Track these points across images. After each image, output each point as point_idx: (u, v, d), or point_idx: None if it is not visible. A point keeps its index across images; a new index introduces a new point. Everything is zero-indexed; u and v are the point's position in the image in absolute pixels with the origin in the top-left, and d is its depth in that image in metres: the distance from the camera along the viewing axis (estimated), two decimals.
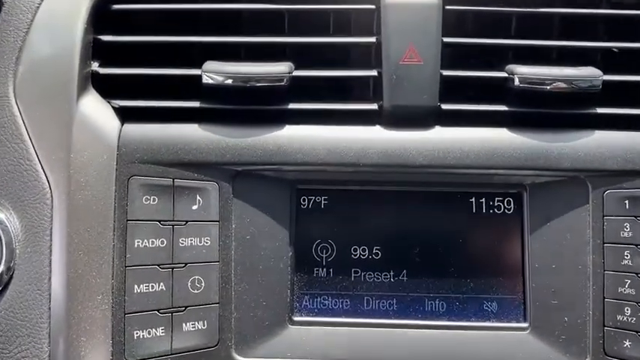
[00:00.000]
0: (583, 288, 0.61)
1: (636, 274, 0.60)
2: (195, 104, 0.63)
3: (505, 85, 0.63)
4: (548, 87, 0.61)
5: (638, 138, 0.62)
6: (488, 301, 0.62)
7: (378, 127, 0.63)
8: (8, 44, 0.63)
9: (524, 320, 0.62)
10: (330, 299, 0.63)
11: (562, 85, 0.61)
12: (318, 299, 0.63)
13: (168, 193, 0.60)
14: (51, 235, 0.59)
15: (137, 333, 0.59)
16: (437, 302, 0.63)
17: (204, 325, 0.60)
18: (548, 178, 0.62)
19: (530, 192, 0.63)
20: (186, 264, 0.60)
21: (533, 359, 0.60)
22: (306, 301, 0.63)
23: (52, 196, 0.59)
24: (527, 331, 0.61)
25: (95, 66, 0.64)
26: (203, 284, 0.60)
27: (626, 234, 0.60)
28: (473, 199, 0.63)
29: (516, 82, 0.61)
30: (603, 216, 0.61)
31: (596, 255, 0.61)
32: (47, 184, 0.59)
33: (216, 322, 0.60)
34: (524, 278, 0.62)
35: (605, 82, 0.61)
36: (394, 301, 0.63)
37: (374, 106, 0.63)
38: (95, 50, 0.64)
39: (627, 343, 0.59)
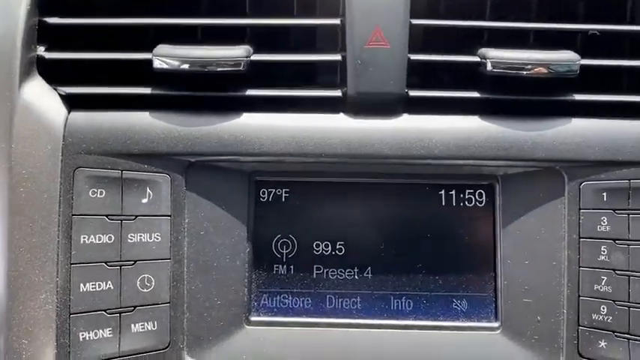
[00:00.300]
0: (557, 285, 0.58)
1: (613, 270, 0.57)
2: (146, 91, 0.60)
3: (477, 71, 0.59)
4: (524, 72, 0.58)
5: (617, 126, 0.59)
6: (457, 300, 0.60)
7: (341, 116, 0.60)
8: None
9: (495, 319, 0.60)
10: (290, 298, 0.60)
11: (538, 69, 0.58)
12: (278, 298, 0.60)
13: (117, 185, 0.57)
14: None
15: (83, 334, 0.56)
16: (403, 300, 0.60)
17: (154, 326, 0.57)
18: (521, 169, 0.60)
19: (503, 183, 0.60)
20: (135, 261, 0.57)
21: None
22: (264, 300, 0.60)
23: None
24: (498, 331, 0.59)
25: (40, 50, 0.60)
26: (153, 283, 0.58)
27: (603, 228, 0.57)
28: (442, 192, 0.60)
29: (489, 66, 0.57)
30: (579, 209, 0.58)
31: (571, 250, 0.58)
32: None
33: (167, 323, 0.57)
34: (496, 275, 0.60)
35: (584, 67, 0.58)
36: (358, 300, 0.60)
37: (337, 93, 0.60)
38: (40, 34, 0.60)
39: (603, 344, 0.57)
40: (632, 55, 0.62)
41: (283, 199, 0.60)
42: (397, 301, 0.60)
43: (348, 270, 0.60)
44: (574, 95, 0.60)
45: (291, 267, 0.60)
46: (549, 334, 0.58)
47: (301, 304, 0.60)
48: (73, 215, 0.56)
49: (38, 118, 0.57)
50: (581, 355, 0.57)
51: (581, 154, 0.58)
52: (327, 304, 0.60)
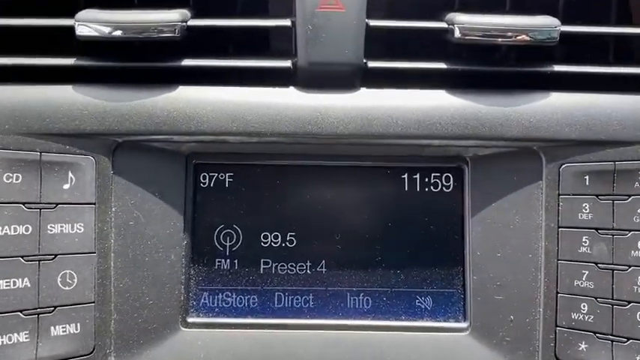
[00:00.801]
0: (533, 281, 0.54)
1: (595, 264, 0.52)
2: (68, 61, 0.55)
3: (444, 38, 0.54)
4: (498, 40, 0.53)
5: (601, 101, 0.54)
6: (421, 297, 0.55)
7: (291, 89, 0.55)
8: None
9: (464, 319, 0.56)
10: (233, 296, 0.55)
11: (512, 36, 0.53)
12: (220, 296, 0.55)
13: (35, 169, 0.52)
14: None
15: None
16: (361, 298, 0.55)
17: (76, 329, 0.53)
18: (493, 150, 0.55)
19: (473, 166, 0.56)
20: (55, 255, 0.53)
21: None
22: (204, 299, 0.55)
23: None
24: (467, 332, 0.55)
25: None
26: (76, 280, 0.53)
27: (585, 216, 0.53)
28: (405, 176, 0.56)
29: (457, 33, 0.53)
30: (559, 194, 0.54)
31: (549, 241, 0.54)
32: None
33: (91, 325, 0.53)
34: (464, 269, 0.56)
35: (564, 34, 0.54)
36: (310, 297, 0.55)
37: (286, 64, 0.55)
38: None
39: (583, 346, 0.52)
40: (618, 21, 0.57)
41: (226, 185, 0.56)
42: (354, 299, 0.55)
43: (299, 264, 0.56)
44: (553, 66, 0.56)
45: (235, 261, 0.56)
46: (524, 336, 0.54)
47: (246, 303, 0.55)
48: None
49: None
50: (558, 359, 0.53)
51: (561, 133, 0.54)
52: (276, 302, 0.55)
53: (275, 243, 0.55)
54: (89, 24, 0.52)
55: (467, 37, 0.53)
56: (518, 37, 0.53)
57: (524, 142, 0.54)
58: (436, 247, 0.56)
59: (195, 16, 0.54)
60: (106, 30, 0.52)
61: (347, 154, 0.56)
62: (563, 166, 0.54)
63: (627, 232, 0.52)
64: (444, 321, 0.55)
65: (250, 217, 0.56)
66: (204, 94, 0.54)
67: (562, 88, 0.55)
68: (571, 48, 0.56)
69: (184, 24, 0.53)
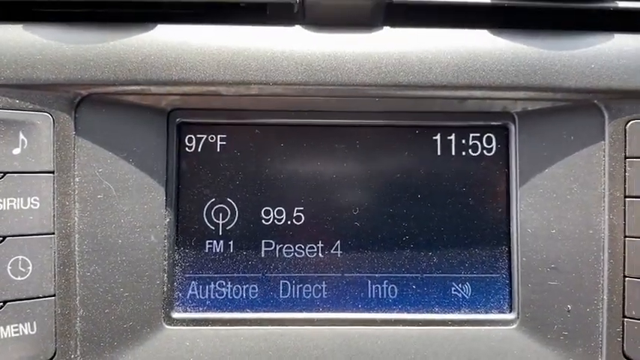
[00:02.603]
0: (595, 262, 0.47)
1: None
2: None
3: None
4: None
5: None
6: (458, 284, 0.48)
7: (298, 28, 0.48)
8: None
9: (510, 310, 0.49)
10: (228, 286, 0.48)
11: None
12: (211, 286, 0.48)
13: None
14: None
15: None
16: (385, 286, 0.48)
17: (32, 329, 0.45)
18: (546, 103, 0.49)
19: (521, 124, 0.49)
20: (4, 237, 0.45)
21: None
22: (192, 290, 0.48)
23: None
24: (514, 325, 0.49)
25: None
26: (30, 268, 0.46)
27: None
28: (437, 136, 0.49)
29: None
30: (625, 157, 0.47)
31: (614, 214, 0.47)
32: None
33: (51, 324, 0.45)
34: (511, 249, 0.49)
35: None
36: (323, 286, 0.48)
37: None
38: None
39: None
40: None
41: (217, 149, 0.48)
42: (376, 287, 0.48)
43: (309, 246, 0.48)
44: (617, 2, 0.48)
45: (230, 243, 0.48)
46: (584, 329, 0.48)
47: (244, 294, 0.48)
48: None
49: None
50: (626, 357, 0.46)
51: (628, 82, 0.47)
52: (281, 293, 0.47)
53: (279, 220, 0.48)
54: None
55: None
56: None
57: (584, 94, 0.48)
58: (476, 224, 0.48)
59: None
60: None
61: (367, 110, 0.48)
62: (631, 122, 0.47)
63: None
64: (486, 312, 0.49)
65: (247, 189, 0.48)
66: (189, 34, 0.46)
67: (629, 29, 0.49)
68: None
69: None
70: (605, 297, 0.47)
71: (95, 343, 0.46)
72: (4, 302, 0.45)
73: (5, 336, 0.45)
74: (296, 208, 0.48)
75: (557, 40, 0.47)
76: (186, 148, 0.48)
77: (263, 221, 0.48)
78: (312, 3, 0.46)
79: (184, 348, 0.45)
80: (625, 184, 0.47)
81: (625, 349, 0.46)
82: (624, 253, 0.47)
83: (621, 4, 0.48)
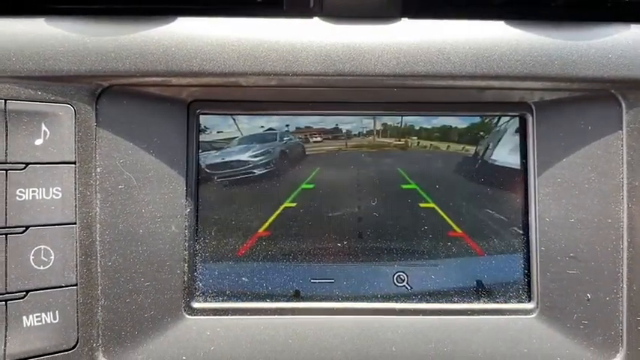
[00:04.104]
0: (614, 251, 0.47)
1: None
2: None
3: None
4: None
5: None
6: (477, 272, 0.47)
7: (316, 20, 0.48)
8: None
9: (529, 299, 0.49)
10: (249, 275, 0.47)
11: None
12: (232, 276, 0.47)
13: None
14: None
15: None
16: (402, 274, 0.47)
17: (55, 318, 0.46)
18: (564, 93, 0.49)
19: (538, 113, 0.49)
20: (27, 227, 0.45)
21: (545, 354, 0.45)
22: (213, 280, 0.48)
23: None
24: (534, 315, 0.49)
25: None
26: (53, 257, 0.46)
27: None
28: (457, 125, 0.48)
29: None
30: None
31: (633, 203, 0.48)
32: None
33: (73, 314, 0.46)
34: (529, 239, 0.49)
35: None
36: (342, 276, 0.47)
37: None
38: None
39: None
40: None
41: None
42: (395, 276, 0.47)
43: (328, 236, 0.47)
44: None
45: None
46: (604, 318, 0.48)
47: (264, 284, 0.47)
48: None
49: None
50: None
51: None
52: (302, 282, 0.46)
53: (297, 211, 0.47)
54: None
55: None
56: None
57: (601, 84, 0.48)
58: (494, 213, 0.48)
59: None
60: None
61: (386, 102, 0.48)
62: None
63: None
64: (506, 302, 0.49)
65: (267, 180, 0.47)
66: (209, 27, 0.47)
67: None
68: None
69: None
70: (624, 285, 0.47)
71: (116, 333, 0.46)
72: (27, 292, 0.45)
73: (28, 325, 0.45)
74: (313, 199, 0.47)
75: (574, 31, 0.47)
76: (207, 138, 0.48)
77: (283, 212, 0.47)
78: None
79: (205, 337, 0.46)
80: None
81: None
82: None
83: None
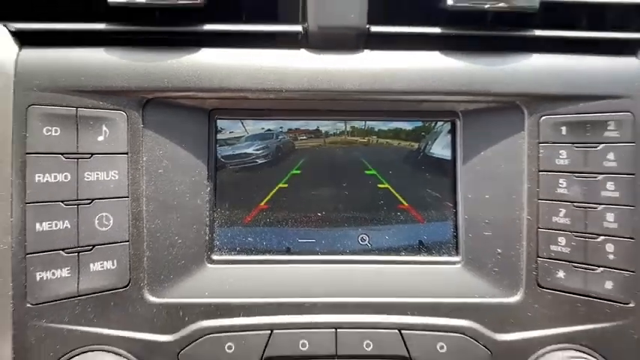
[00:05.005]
0: (517, 219, 0.58)
1: (572, 202, 0.56)
2: (101, 26, 0.57)
3: (439, 5, 0.58)
4: (485, 6, 0.56)
5: (575, 62, 0.58)
6: (418, 235, 0.59)
7: (303, 51, 0.58)
8: None
9: (457, 253, 0.59)
10: (252, 237, 0.59)
11: (499, 4, 0.56)
12: (241, 237, 0.59)
13: (72, 123, 0.55)
14: None
15: (40, 275, 0.54)
16: (365, 236, 0.59)
17: (113, 265, 0.56)
18: (482, 105, 0.59)
19: (464, 119, 0.59)
20: (92, 200, 0.55)
21: (466, 293, 0.57)
22: (227, 239, 0.58)
23: None
24: (460, 265, 0.59)
25: None
26: (112, 221, 0.56)
27: (562, 161, 0.57)
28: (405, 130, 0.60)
29: (450, 1, 0.56)
30: (539, 143, 0.57)
31: (531, 184, 0.58)
32: None
33: (126, 262, 0.56)
34: (457, 210, 0.59)
35: (544, 3, 0.57)
36: (320, 237, 0.59)
37: (298, 28, 0.58)
38: None
39: (561, 274, 0.56)
40: None
41: None
42: (359, 237, 0.59)
43: (313, 210, 0.59)
44: (534, 31, 0.59)
45: (254, 206, 0.59)
46: (509, 266, 0.58)
47: (264, 243, 0.59)
48: (26, 154, 0.54)
49: None
50: (540, 286, 0.57)
51: (540, 89, 0.57)
52: (290, 241, 0.59)
53: (287, 189, 0.59)
54: None
55: (458, 4, 0.56)
56: (504, 5, 0.56)
57: (509, 97, 0.57)
58: (432, 192, 0.59)
59: None
60: None
61: (353, 110, 0.59)
62: (543, 118, 0.57)
63: (598, 175, 0.56)
64: (440, 256, 0.59)
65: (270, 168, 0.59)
66: (225, 55, 0.56)
67: (543, 50, 0.58)
68: (552, 15, 0.59)
69: None
70: (524, 243, 0.57)
71: (157, 276, 0.56)
72: (93, 246, 0.55)
73: (94, 270, 0.55)
74: (300, 181, 0.59)
75: (490, 58, 0.57)
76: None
77: (278, 191, 0.59)
78: (313, 32, 0.57)
79: (221, 280, 0.57)
80: (538, 162, 0.57)
81: (539, 280, 0.57)
82: (538, 211, 0.57)
83: (537, 33, 0.59)
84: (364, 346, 0.55)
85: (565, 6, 0.60)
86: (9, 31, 0.57)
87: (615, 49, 0.59)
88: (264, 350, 0.54)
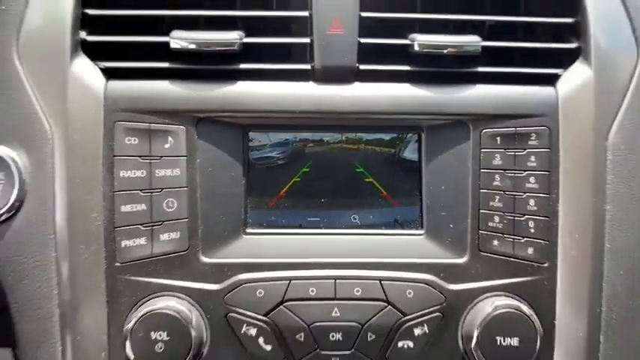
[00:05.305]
0: (465, 203, 0.70)
1: (504, 192, 0.70)
2: (165, 65, 0.70)
3: (409, 50, 0.71)
4: (443, 51, 0.69)
5: (509, 90, 0.72)
6: (394, 215, 0.73)
7: (311, 83, 0.70)
8: (10, 17, 0.69)
9: (421, 227, 0.72)
10: (276, 216, 0.73)
11: (452, 49, 0.71)
12: (267, 216, 0.73)
13: (146, 134, 0.68)
14: (53, 167, 0.67)
15: (125, 242, 0.68)
16: (356, 216, 0.74)
17: (177, 235, 0.68)
18: (440, 121, 0.71)
19: (427, 132, 0.72)
20: (162, 189, 0.68)
21: (428, 256, 0.71)
22: (257, 217, 0.72)
23: (52, 138, 0.67)
24: (423, 236, 0.72)
25: (84, 34, 0.70)
26: (175, 204, 0.68)
27: (496, 162, 0.70)
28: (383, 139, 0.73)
29: (416, 47, 0.69)
30: (480, 149, 0.70)
31: (474, 178, 0.70)
32: (49, 127, 0.67)
33: (186, 233, 0.68)
34: (422, 197, 0.72)
35: (485, 47, 0.70)
36: (324, 217, 0.74)
37: (307, 66, 0.70)
38: (83, 22, 0.70)
39: (496, 243, 0.70)
40: (524, 38, 0.75)
41: None
42: (351, 216, 0.74)
43: (319, 196, 0.73)
44: (478, 68, 0.72)
45: (276, 194, 0.73)
46: (459, 237, 0.70)
47: (285, 220, 0.73)
48: (114, 157, 0.67)
49: (84, 85, 0.68)
50: (481, 251, 0.70)
51: (482, 110, 0.70)
52: (302, 219, 0.73)
53: (296, 183, 0.73)
54: (179, 41, 0.68)
55: (423, 50, 0.69)
56: (454, 50, 0.70)
57: (460, 117, 0.70)
58: (404, 184, 0.73)
59: (246, 34, 0.69)
60: (191, 45, 0.68)
61: (347, 125, 0.72)
62: (484, 131, 0.70)
63: (523, 172, 0.70)
64: (409, 229, 0.72)
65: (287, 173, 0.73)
66: (255, 86, 0.69)
67: (485, 81, 0.71)
68: (493, 55, 0.72)
69: (241, 41, 0.68)
70: (469, 221, 0.70)
71: (209, 243, 0.69)
72: (162, 222, 0.68)
73: (163, 239, 0.68)
74: (309, 176, 0.72)
75: (447, 88, 0.70)
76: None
77: (293, 183, 0.73)
78: (319, 70, 0.69)
79: (253, 246, 0.70)
80: (480, 163, 0.70)
81: (480, 247, 0.70)
82: (479, 198, 0.69)
83: (480, 69, 0.71)
84: (355, 292, 0.69)
85: (501, 50, 0.77)
86: (99, 68, 0.70)
87: (538, 81, 0.73)
88: (285, 294, 0.69)
